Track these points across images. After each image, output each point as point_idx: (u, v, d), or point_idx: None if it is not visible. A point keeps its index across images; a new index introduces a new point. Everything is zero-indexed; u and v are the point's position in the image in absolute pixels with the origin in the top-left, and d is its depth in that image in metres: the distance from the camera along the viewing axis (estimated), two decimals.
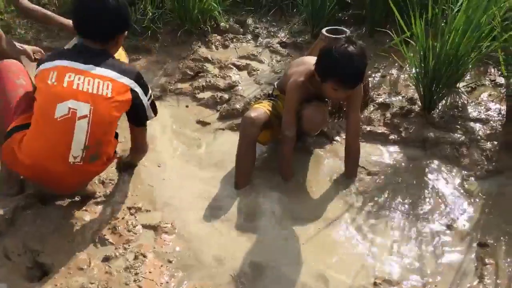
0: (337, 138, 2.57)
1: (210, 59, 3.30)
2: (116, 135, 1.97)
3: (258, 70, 3.22)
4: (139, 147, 2.14)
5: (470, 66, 2.59)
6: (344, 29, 2.83)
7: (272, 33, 3.71)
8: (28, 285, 1.69)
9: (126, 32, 1.95)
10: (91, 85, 1.76)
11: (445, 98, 2.70)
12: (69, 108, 1.73)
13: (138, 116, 1.96)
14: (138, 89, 1.88)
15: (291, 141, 2.21)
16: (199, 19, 3.52)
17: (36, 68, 1.87)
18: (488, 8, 2.33)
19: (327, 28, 2.79)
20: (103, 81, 1.78)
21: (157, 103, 2.82)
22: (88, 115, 1.75)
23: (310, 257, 1.86)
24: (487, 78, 2.96)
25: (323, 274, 1.78)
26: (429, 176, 2.31)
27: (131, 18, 1.97)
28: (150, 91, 1.96)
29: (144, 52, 3.43)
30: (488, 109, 2.66)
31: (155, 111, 2.03)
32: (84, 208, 2.04)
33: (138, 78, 1.89)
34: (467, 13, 2.34)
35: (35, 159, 1.75)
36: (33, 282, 1.72)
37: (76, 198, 2.09)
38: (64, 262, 1.78)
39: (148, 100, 1.94)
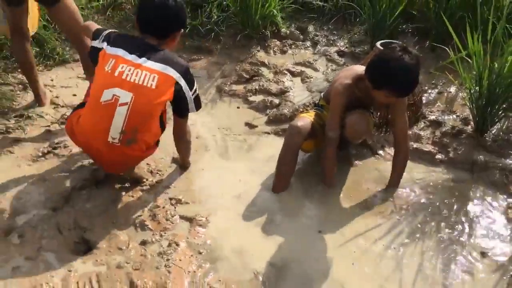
0: (381, 152, 2.56)
1: (267, 63, 3.41)
2: (162, 125, 2.12)
3: (312, 77, 3.27)
4: (180, 135, 2.25)
5: None
6: (399, 43, 2.80)
7: (331, 42, 3.73)
8: (73, 257, 1.88)
9: (182, 30, 2.11)
10: (138, 76, 1.94)
11: (501, 122, 2.59)
12: (113, 95, 1.93)
13: (180, 107, 2.10)
14: (182, 83, 2.02)
15: (335, 143, 2.24)
16: (259, 24, 3.63)
17: (99, 39, 2.06)
18: None
19: (382, 41, 2.78)
20: (150, 73, 1.95)
21: (211, 103, 3.03)
22: (129, 103, 1.93)
23: (334, 266, 1.90)
24: None
25: (343, 284, 1.81)
26: (472, 200, 2.24)
27: (186, 18, 2.11)
28: (195, 87, 2.09)
29: (206, 52, 3.60)
30: None
31: (198, 106, 2.13)
32: (131, 193, 2.23)
33: (185, 73, 2.03)
34: None
35: (83, 135, 2.03)
36: (78, 255, 1.91)
37: (126, 184, 2.28)
38: (107, 241, 1.96)
39: (192, 95, 2.07)
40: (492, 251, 1.96)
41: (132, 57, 1.96)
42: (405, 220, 2.14)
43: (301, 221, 2.12)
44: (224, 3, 3.76)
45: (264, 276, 1.84)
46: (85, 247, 1.96)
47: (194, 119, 2.74)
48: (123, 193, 2.23)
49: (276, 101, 3.01)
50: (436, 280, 1.84)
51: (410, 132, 2.66)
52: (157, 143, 2.17)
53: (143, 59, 1.97)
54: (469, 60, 2.54)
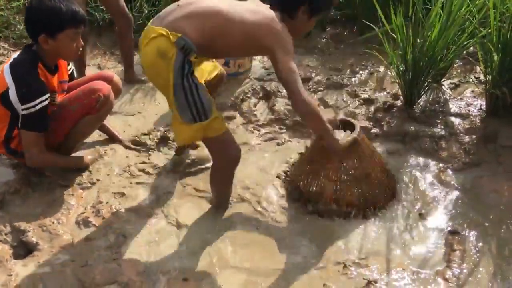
0: None
1: None
2: (9, 132, 2.06)
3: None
4: (24, 150, 2.09)
5: (448, 62, 2.64)
6: None
7: None
8: (12, 262, 1.77)
9: (50, 36, 1.96)
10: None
11: (427, 94, 2.76)
12: None
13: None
14: (12, 93, 1.97)
15: None
16: None
17: None
18: (464, 4, 2.40)
19: None
20: (1, 69, 2.04)
21: (147, 98, 2.97)
22: None
23: (290, 241, 1.93)
24: (472, 76, 3.02)
25: (298, 256, 1.86)
26: (407, 167, 2.37)
27: (55, 21, 1.95)
28: (31, 105, 1.96)
29: None
30: (469, 105, 2.72)
31: (28, 126, 2.01)
32: (70, 192, 2.14)
33: (20, 87, 1.97)
34: (445, 9, 2.41)
35: None
36: (18, 259, 1.80)
37: (65, 184, 2.18)
38: (48, 241, 1.87)
39: (23, 110, 1.98)
40: (429, 211, 2.09)
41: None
42: None
43: (255, 213, 2.12)
44: None
45: (222, 265, 1.82)
46: (25, 251, 1.86)
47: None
48: (62, 193, 2.13)
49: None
50: (380, 242, 1.93)
51: (347, 111, 2.78)
52: (13, 151, 2.11)
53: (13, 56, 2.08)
54: (394, 36, 2.68)
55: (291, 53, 1.84)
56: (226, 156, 1.94)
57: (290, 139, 2.60)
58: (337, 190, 2.02)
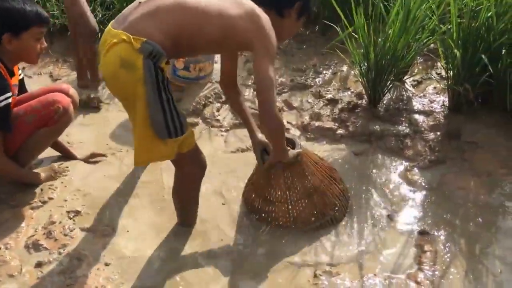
0: None
1: None
2: None
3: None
4: None
5: (409, 59, 2.62)
6: None
7: None
8: None
9: (12, 37, 1.88)
10: None
11: (391, 92, 2.74)
12: None
13: None
14: None
15: None
16: None
17: None
18: (424, 1, 2.38)
19: None
20: None
21: (103, 106, 2.83)
22: None
23: (260, 255, 1.85)
24: (433, 72, 3.03)
25: (267, 268, 1.78)
26: (374, 168, 2.33)
27: (22, 22, 1.87)
28: None
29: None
30: (432, 101, 2.71)
31: None
32: (20, 213, 1.98)
33: None
34: (404, 7, 2.39)
35: None
36: None
37: (12, 204, 2.02)
38: None
39: None
40: (398, 212, 2.05)
41: None
42: None
43: (215, 229, 2.01)
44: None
45: (178, 281, 1.73)
46: None
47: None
48: (11, 214, 1.97)
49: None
50: (349, 247, 1.88)
51: (311, 113, 2.72)
52: None
53: None
54: (356, 36, 2.65)
55: (273, 55, 1.61)
56: (197, 168, 1.79)
57: None
58: (290, 210, 1.92)
